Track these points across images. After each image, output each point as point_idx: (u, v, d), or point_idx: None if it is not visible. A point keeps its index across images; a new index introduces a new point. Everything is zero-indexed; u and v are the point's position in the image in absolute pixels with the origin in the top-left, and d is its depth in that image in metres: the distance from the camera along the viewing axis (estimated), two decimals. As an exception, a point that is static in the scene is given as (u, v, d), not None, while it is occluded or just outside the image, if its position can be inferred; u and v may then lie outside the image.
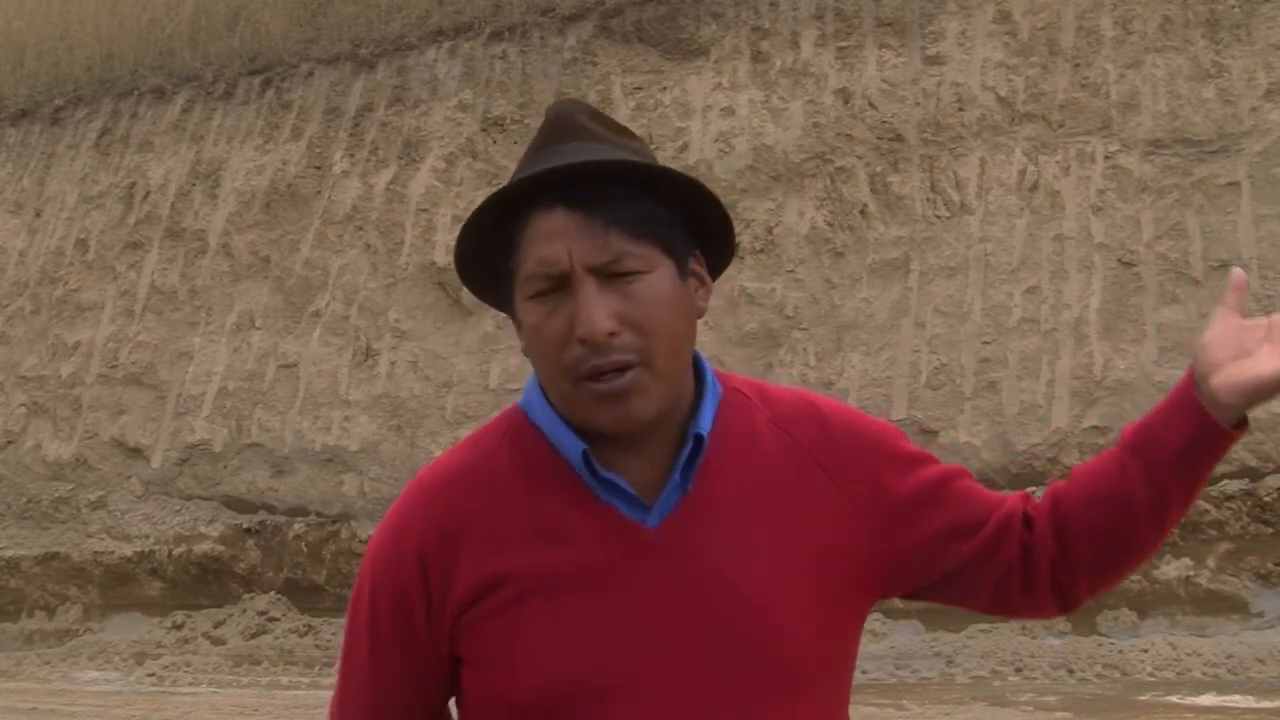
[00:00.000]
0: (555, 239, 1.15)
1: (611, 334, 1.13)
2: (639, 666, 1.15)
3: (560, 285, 1.15)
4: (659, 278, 1.17)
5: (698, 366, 1.26)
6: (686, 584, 1.17)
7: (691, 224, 1.23)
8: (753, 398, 1.28)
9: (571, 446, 1.20)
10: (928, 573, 1.30)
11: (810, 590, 1.19)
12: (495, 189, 1.21)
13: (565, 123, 1.22)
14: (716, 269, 1.29)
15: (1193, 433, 1.21)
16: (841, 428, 1.28)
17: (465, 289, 1.31)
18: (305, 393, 8.59)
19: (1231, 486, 6.29)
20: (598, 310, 1.13)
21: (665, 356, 1.16)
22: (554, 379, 1.18)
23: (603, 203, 1.15)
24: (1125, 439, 1.26)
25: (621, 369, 1.15)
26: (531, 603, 1.17)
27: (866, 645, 6.61)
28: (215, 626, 8.26)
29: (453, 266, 1.31)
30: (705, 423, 1.21)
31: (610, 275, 1.15)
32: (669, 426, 1.21)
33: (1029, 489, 1.36)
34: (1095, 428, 6.59)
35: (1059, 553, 1.27)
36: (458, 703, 1.27)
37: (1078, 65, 7.55)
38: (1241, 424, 1.20)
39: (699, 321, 1.25)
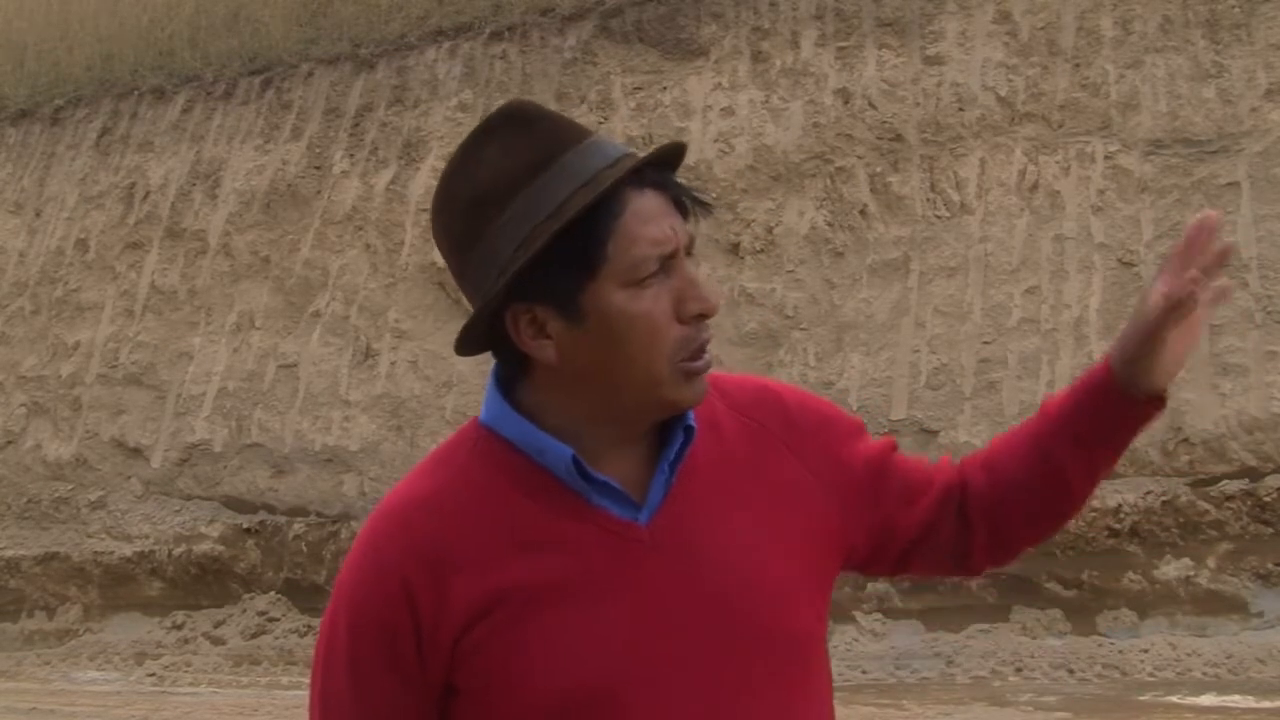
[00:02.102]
0: (660, 219, 1.14)
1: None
2: (653, 665, 1.14)
3: (662, 267, 1.15)
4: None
5: None
6: (686, 576, 1.17)
7: None
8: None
9: (557, 454, 1.16)
10: (890, 544, 1.33)
11: (796, 565, 1.21)
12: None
13: (562, 121, 1.19)
14: None
15: (1118, 414, 1.28)
16: (798, 408, 1.30)
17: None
18: (305, 393, 8.59)
19: (1231, 486, 6.30)
20: (710, 285, 1.17)
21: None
22: (654, 364, 1.14)
23: (670, 186, 1.18)
24: (1049, 417, 1.32)
25: (705, 346, 1.19)
26: (535, 617, 1.13)
27: (866, 645, 6.62)
28: (215, 626, 8.26)
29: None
30: (690, 414, 1.21)
31: (688, 255, 1.18)
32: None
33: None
34: (1095, 428, 6.58)
35: (993, 523, 1.35)
36: None
37: (1078, 65, 7.55)
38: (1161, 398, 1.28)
39: None
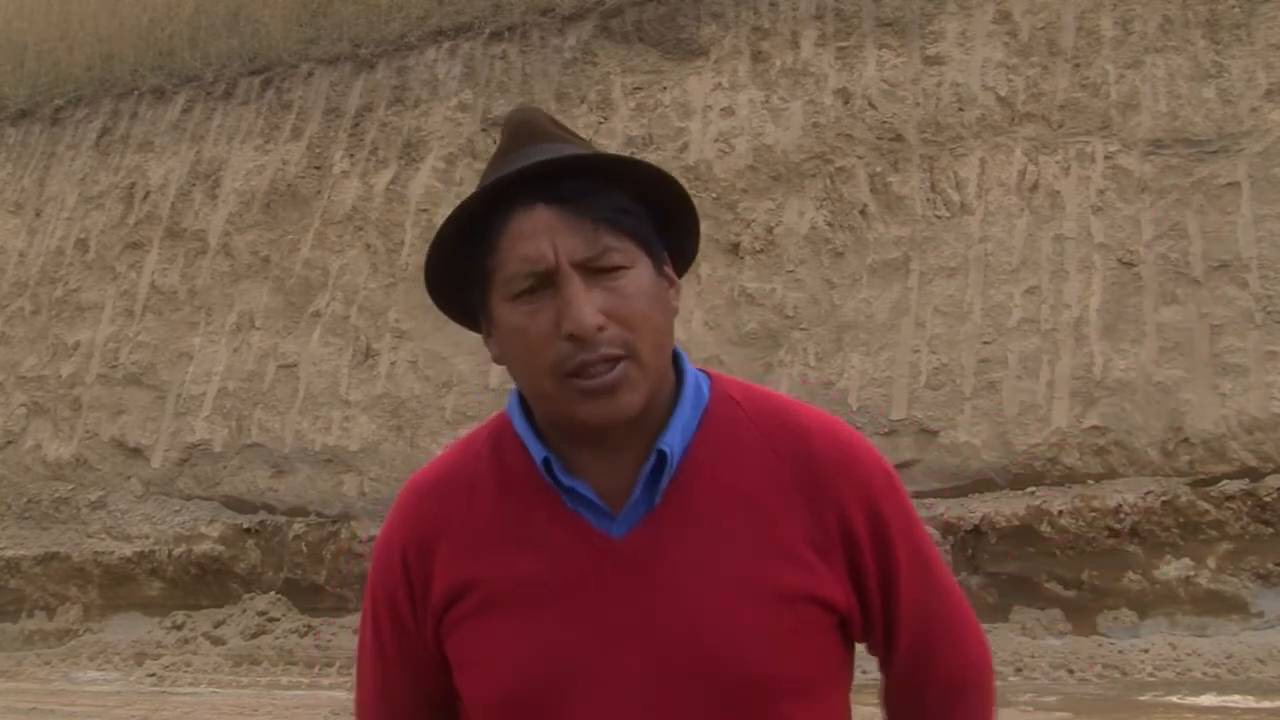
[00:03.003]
0: (539, 235, 1.14)
1: (600, 328, 1.13)
2: (593, 676, 1.15)
3: (544, 283, 1.15)
4: (640, 272, 1.17)
5: (680, 373, 1.24)
6: (647, 599, 1.16)
7: (657, 223, 1.23)
8: (744, 407, 1.25)
9: (535, 453, 1.20)
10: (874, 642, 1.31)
11: (776, 618, 1.17)
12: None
13: (527, 128, 1.21)
14: (678, 271, 1.28)
15: None
16: (831, 463, 1.22)
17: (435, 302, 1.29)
18: (305, 393, 8.59)
19: (1231, 486, 6.29)
20: (586, 305, 1.13)
21: (650, 350, 1.16)
22: (537, 378, 1.17)
23: (584, 197, 1.15)
24: None
25: (610, 362, 1.14)
26: (496, 608, 1.18)
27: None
28: (215, 626, 8.26)
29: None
30: (673, 438, 1.19)
31: (595, 270, 1.14)
32: (639, 433, 1.19)
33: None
34: (1095, 428, 6.59)
35: None
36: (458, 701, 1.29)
37: (1078, 65, 7.55)
38: None
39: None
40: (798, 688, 1.19)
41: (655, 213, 1.22)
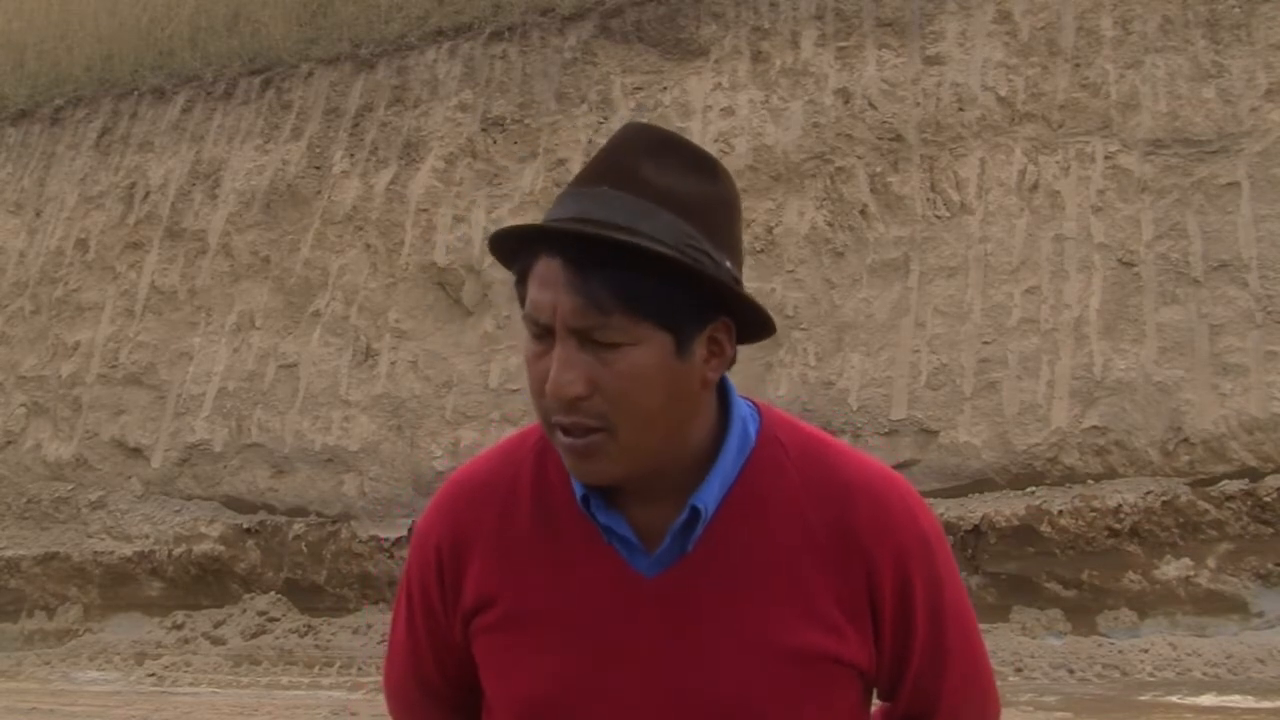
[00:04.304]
0: (547, 289, 1.12)
1: (578, 397, 1.12)
2: (605, 709, 1.17)
3: (548, 331, 1.13)
4: (643, 352, 1.12)
5: (728, 418, 1.22)
6: (668, 641, 1.17)
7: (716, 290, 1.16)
8: (790, 453, 1.23)
9: (576, 487, 1.20)
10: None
11: (793, 676, 1.17)
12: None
13: (617, 159, 1.16)
14: (753, 328, 1.22)
15: None
16: (867, 522, 1.20)
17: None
18: (305, 393, 8.59)
19: (1231, 486, 6.29)
20: (566, 372, 1.11)
21: (632, 429, 1.13)
22: (538, 414, 1.18)
23: (598, 268, 1.10)
24: None
25: (586, 430, 1.13)
26: (519, 626, 1.21)
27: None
28: (215, 626, 8.26)
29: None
30: (709, 494, 1.18)
31: (590, 340, 1.12)
32: (666, 486, 1.19)
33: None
34: (1095, 428, 6.59)
35: None
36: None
37: (1078, 65, 7.55)
38: None
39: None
40: None
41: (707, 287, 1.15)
